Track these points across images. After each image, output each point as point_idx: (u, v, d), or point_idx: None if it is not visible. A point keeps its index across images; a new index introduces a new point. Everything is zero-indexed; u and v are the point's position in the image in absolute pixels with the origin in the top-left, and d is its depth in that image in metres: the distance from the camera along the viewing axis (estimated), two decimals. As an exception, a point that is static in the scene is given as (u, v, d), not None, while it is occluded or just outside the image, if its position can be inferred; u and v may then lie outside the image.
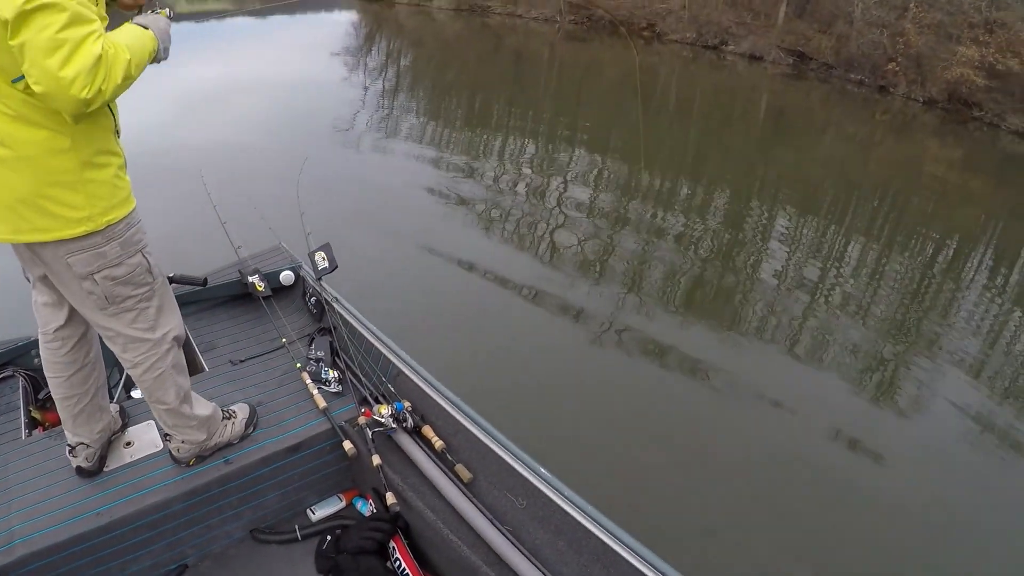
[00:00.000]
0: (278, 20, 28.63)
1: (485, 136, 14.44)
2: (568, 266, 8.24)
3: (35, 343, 2.94)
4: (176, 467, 2.81)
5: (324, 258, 3.80)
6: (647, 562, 2.20)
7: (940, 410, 6.44)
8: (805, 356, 7.10)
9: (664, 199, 11.53)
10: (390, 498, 2.76)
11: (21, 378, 3.32)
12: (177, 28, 2.57)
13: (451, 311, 6.86)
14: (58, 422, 2.84)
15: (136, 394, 3.34)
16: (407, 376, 3.16)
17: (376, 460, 2.83)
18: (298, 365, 3.44)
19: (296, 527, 3.01)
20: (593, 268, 8.29)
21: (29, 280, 2.52)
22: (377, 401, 3.10)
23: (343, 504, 3.19)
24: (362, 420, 2.97)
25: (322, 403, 3.15)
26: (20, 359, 3.42)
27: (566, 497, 2.47)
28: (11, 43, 1.86)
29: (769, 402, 6.07)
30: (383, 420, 2.93)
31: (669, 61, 25.90)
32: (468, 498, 2.65)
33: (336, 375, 3.34)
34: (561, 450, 4.83)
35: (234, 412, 2.99)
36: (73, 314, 2.51)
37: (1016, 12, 22.18)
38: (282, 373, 3.46)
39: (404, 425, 2.95)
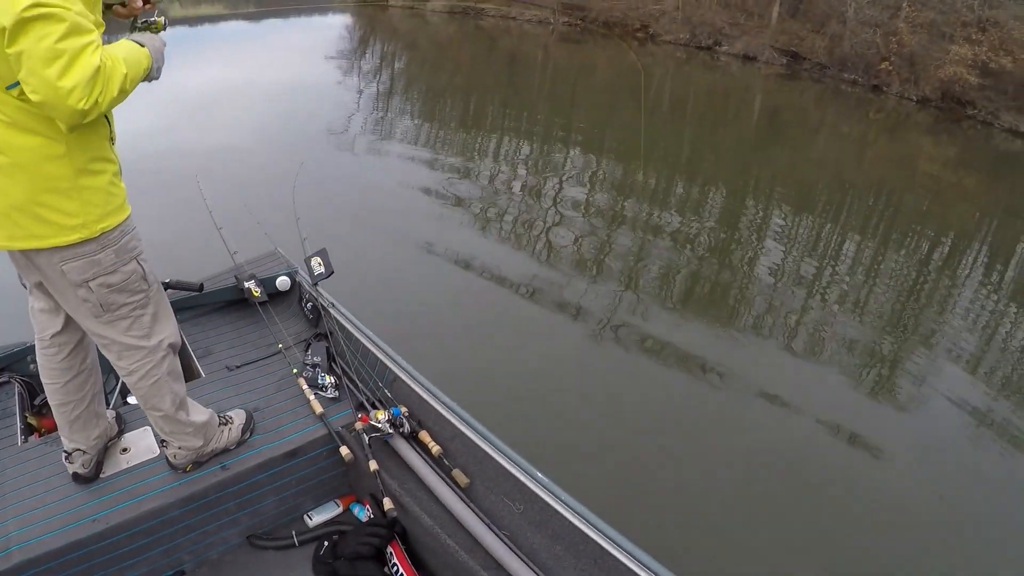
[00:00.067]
0: (271, 24, 28.65)
1: (480, 138, 14.45)
2: (565, 265, 8.25)
3: (31, 349, 2.93)
4: (173, 473, 2.81)
5: (320, 263, 3.80)
6: (645, 566, 2.20)
7: (938, 405, 6.47)
8: (803, 353, 7.12)
9: (660, 199, 11.54)
10: (387, 503, 2.76)
11: (17, 384, 3.32)
12: (171, 33, 2.58)
13: (448, 313, 6.87)
14: (54, 428, 2.84)
15: (132, 400, 3.33)
16: (404, 381, 3.16)
17: (373, 465, 2.83)
18: (294, 371, 3.44)
19: (293, 533, 3.00)
20: (590, 268, 8.30)
21: (26, 286, 2.52)
22: (374, 406, 3.10)
23: (340, 510, 3.18)
24: (359, 425, 2.97)
25: (319, 408, 3.14)
26: (16, 365, 3.41)
27: (563, 501, 2.47)
28: (8, 51, 1.86)
29: (768, 399, 6.08)
30: (380, 425, 2.93)
31: (663, 62, 25.90)
32: (465, 503, 2.65)
33: (333, 380, 3.33)
34: (559, 451, 4.84)
35: (230, 418, 2.99)
36: (70, 320, 2.51)
37: (1009, 10, 22.21)
38: (279, 379, 3.46)
39: (401, 430, 2.95)
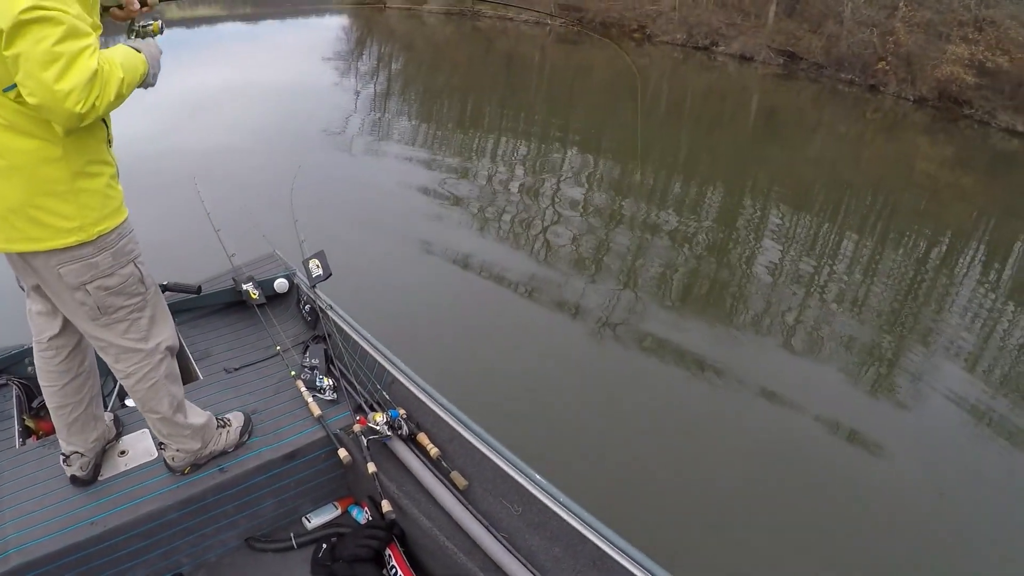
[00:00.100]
0: (269, 25, 28.64)
1: (478, 139, 14.44)
2: (563, 265, 8.25)
3: (29, 351, 2.94)
4: (171, 476, 2.81)
5: (318, 265, 3.79)
6: (643, 567, 2.21)
7: (937, 402, 6.49)
8: (802, 351, 7.14)
9: (658, 198, 11.54)
10: (385, 506, 2.76)
11: (15, 386, 3.31)
12: (168, 35, 2.58)
13: (447, 314, 6.86)
14: (52, 431, 2.83)
15: (130, 402, 3.33)
16: (402, 383, 3.16)
17: (371, 468, 2.83)
18: (293, 373, 3.44)
19: (292, 535, 3.00)
20: (588, 267, 8.30)
21: (23, 289, 2.51)
22: (372, 409, 3.10)
23: (339, 512, 3.18)
24: (357, 428, 2.97)
25: (317, 411, 3.14)
26: (14, 367, 3.40)
27: (561, 503, 2.47)
28: (5, 53, 1.86)
29: (767, 398, 6.09)
30: (378, 428, 2.93)
31: (660, 63, 25.92)
32: (463, 505, 2.65)
33: (331, 383, 3.34)
34: (557, 452, 4.84)
35: (229, 420, 2.99)
36: (67, 323, 2.50)
37: (1005, 10, 22.24)
38: (277, 381, 3.46)
39: (399, 433, 2.95)
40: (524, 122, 16.04)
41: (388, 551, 2.76)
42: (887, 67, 22.80)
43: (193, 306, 3.99)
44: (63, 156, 2.10)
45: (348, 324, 3.59)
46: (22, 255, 2.24)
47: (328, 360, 3.51)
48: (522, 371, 6.08)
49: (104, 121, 2.27)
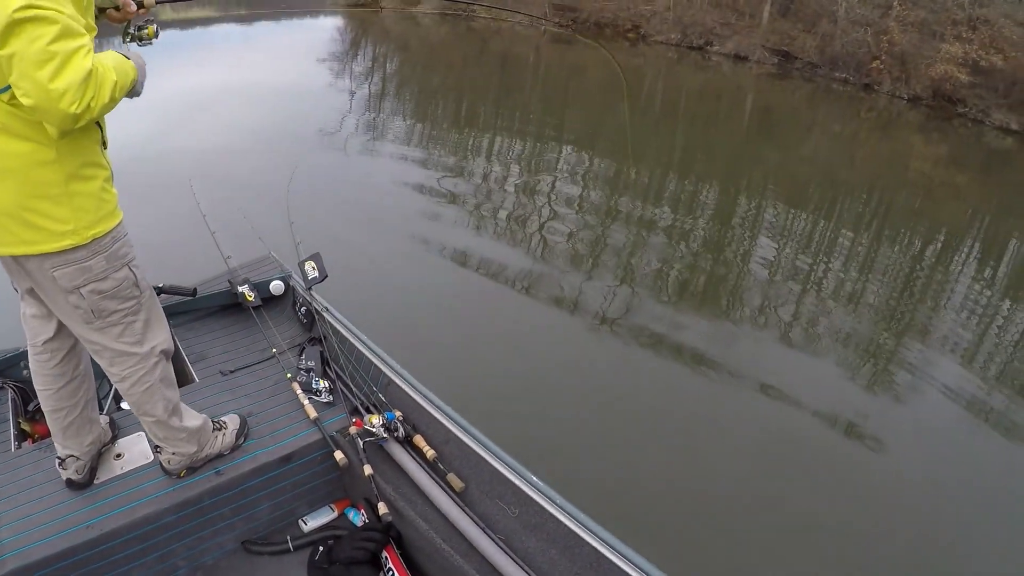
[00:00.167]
0: (263, 27, 28.60)
1: (473, 138, 14.44)
2: (560, 264, 8.25)
3: (24, 354, 2.92)
4: (167, 479, 2.80)
5: (314, 267, 3.80)
6: (640, 569, 2.21)
7: (935, 397, 6.53)
8: (799, 348, 7.17)
9: (653, 197, 11.54)
10: (382, 508, 2.76)
11: (10, 390, 3.30)
12: (163, 36, 2.57)
13: (443, 314, 6.85)
14: (48, 434, 2.83)
15: (126, 405, 3.32)
16: (398, 386, 3.16)
17: (368, 470, 2.83)
18: (288, 375, 3.44)
19: (288, 538, 3.00)
20: (585, 265, 8.31)
21: (18, 291, 2.51)
22: (368, 411, 3.10)
23: (335, 514, 3.18)
24: (353, 430, 2.97)
25: (313, 413, 3.14)
26: (9, 371, 3.40)
27: (558, 505, 2.47)
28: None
29: (765, 396, 6.10)
30: (374, 430, 2.93)
31: (654, 63, 25.93)
32: (460, 507, 2.65)
33: (327, 385, 3.34)
34: (554, 453, 4.83)
35: (224, 423, 2.98)
36: (62, 326, 2.50)
37: (999, 8, 22.31)
38: (273, 383, 3.46)
39: (395, 435, 2.95)
40: (519, 121, 16.03)
41: (385, 553, 2.75)
42: (881, 66, 22.85)
43: (189, 308, 3.98)
44: (57, 159, 2.09)
45: (344, 326, 3.59)
46: (16, 258, 2.23)
47: (324, 362, 3.51)
48: (519, 371, 6.07)
49: (99, 124, 2.25)
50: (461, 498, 2.70)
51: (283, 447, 3.01)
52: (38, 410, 3.05)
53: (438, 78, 21.46)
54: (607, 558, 2.27)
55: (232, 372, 3.55)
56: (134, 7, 2.48)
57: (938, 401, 6.45)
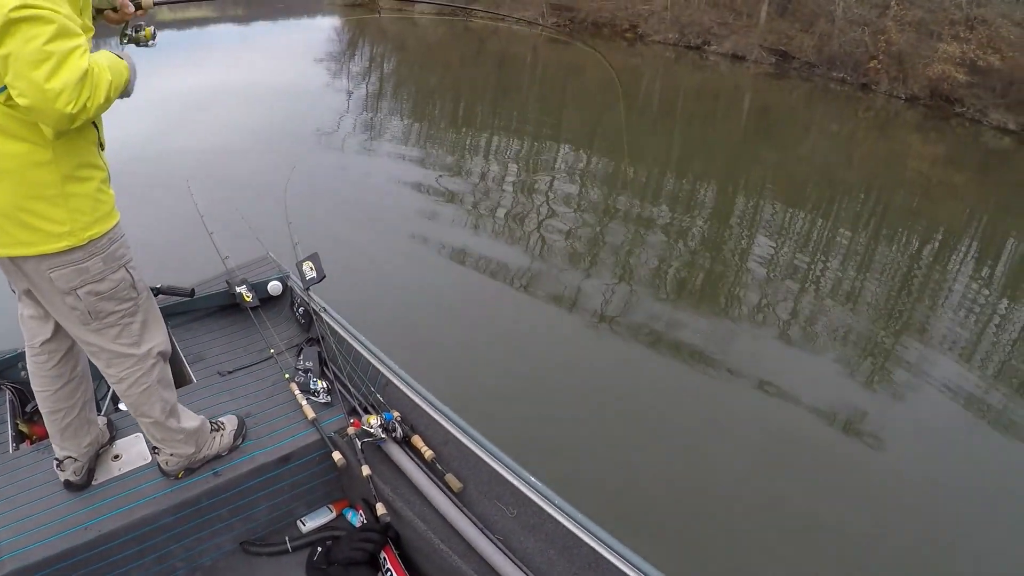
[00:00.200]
0: (261, 27, 28.58)
1: (470, 138, 14.44)
2: (558, 263, 8.25)
3: (22, 355, 2.92)
4: (165, 480, 2.80)
5: (312, 268, 3.79)
6: (638, 569, 2.21)
7: (933, 394, 6.55)
8: (798, 344, 7.19)
9: (651, 196, 11.55)
10: (380, 508, 2.75)
11: (8, 391, 3.30)
12: (160, 37, 2.57)
13: (441, 313, 6.85)
14: (46, 435, 2.82)
15: (124, 406, 3.32)
16: (396, 386, 3.16)
17: (366, 470, 2.83)
18: (286, 376, 3.43)
19: (286, 539, 3.00)
20: (584, 264, 8.31)
21: (15, 292, 2.50)
22: (366, 411, 3.09)
23: (333, 515, 3.18)
24: (351, 430, 2.97)
25: (311, 414, 3.14)
26: (7, 372, 3.39)
27: (556, 505, 2.47)
28: None
29: (763, 394, 6.12)
30: (372, 430, 2.92)
31: (652, 62, 25.93)
32: (458, 507, 2.65)
33: (325, 385, 3.33)
34: (551, 453, 4.83)
35: (222, 424, 2.98)
36: (59, 328, 2.49)
37: (996, 8, 22.33)
38: (271, 384, 3.45)
39: (393, 435, 2.94)
40: (517, 121, 16.03)
41: (383, 554, 2.75)
42: (879, 66, 22.86)
43: (186, 309, 3.98)
44: (53, 160, 2.08)
45: (342, 326, 3.58)
46: (13, 259, 2.22)
47: (322, 363, 3.51)
48: (517, 370, 6.08)
49: (95, 125, 2.25)
50: (459, 498, 2.70)
51: (281, 448, 3.01)
52: (36, 411, 3.06)
53: (435, 78, 21.45)
54: (605, 558, 2.27)
55: (230, 373, 3.55)
56: (132, 8, 2.48)
57: (937, 399, 6.47)
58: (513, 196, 10.68)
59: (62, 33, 1.85)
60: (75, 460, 2.69)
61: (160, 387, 2.60)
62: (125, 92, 2.23)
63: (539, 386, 5.87)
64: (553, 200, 10.49)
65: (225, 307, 4.07)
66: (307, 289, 3.79)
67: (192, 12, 26.13)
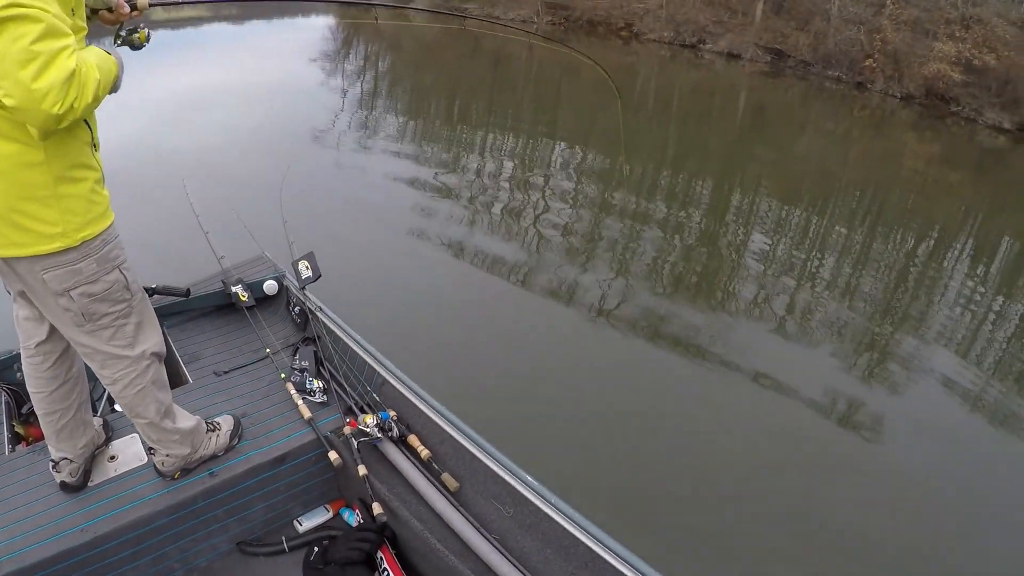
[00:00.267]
0: (255, 26, 28.51)
1: (466, 137, 14.44)
2: (555, 261, 8.27)
3: (17, 357, 2.92)
4: (161, 481, 2.80)
5: (308, 267, 3.78)
6: (635, 568, 2.20)
7: (931, 390, 6.59)
8: (795, 339, 7.21)
9: (647, 195, 11.55)
10: (377, 508, 2.75)
11: (4, 392, 3.29)
12: (154, 37, 2.57)
13: (438, 311, 6.86)
14: (41, 437, 2.81)
15: (120, 407, 3.32)
16: (392, 385, 3.16)
17: (362, 470, 2.82)
18: (282, 375, 3.42)
19: (283, 539, 3.00)
20: (580, 263, 8.32)
21: (10, 293, 2.49)
22: (362, 411, 3.09)
23: (330, 515, 3.18)
24: (347, 430, 2.96)
25: (307, 413, 3.13)
26: (2, 373, 3.38)
27: (553, 504, 2.47)
28: None
29: (762, 393, 6.14)
30: (368, 430, 2.92)
31: (647, 61, 25.93)
32: (455, 507, 2.65)
33: (321, 385, 3.33)
34: (548, 451, 4.83)
35: (218, 424, 2.97)
36: (54, 329, 2.48)
37: (992, 8, 22.37)
38: (267, 384, 3.45)
39: (390, 435, 2.94)
40: (512, 119, 16.05)
41: (380, 554, 2.75)
42: (874, 64, 22.89)
43: (182, 309, 3.97)
44: (45, 161, 2.06)
45: (338, 326, 3.58)
46: (6, 260, 2.21)
47: (318, 362, 3.50)
48: (514, 367, 6.09)
49: (88, 125, 2.23)
50: (456, 498, 2.70)
51: (277, 448, 3.00)
52: (32, 413, 3.04)
53: (431, 76, 21.44)
54: (602, 557, 2.27)
55: (226, 373, 3.54)
56: (127, 8, 2.47)
57: (933, 392, 6.53)
58: (510, 193, 10.70)
59: (50, 33, 1.83)
60: (71, 461, 2.69)
61: (155, 388, 2.59)
62: (113, 88, 2.22)
63: (536, 384, 5.87)
64: (550, 196, 10.52)
65: (221, 307, 4.06)
66: (303, 288, 3.79)
67: (186, 12, 26.06)
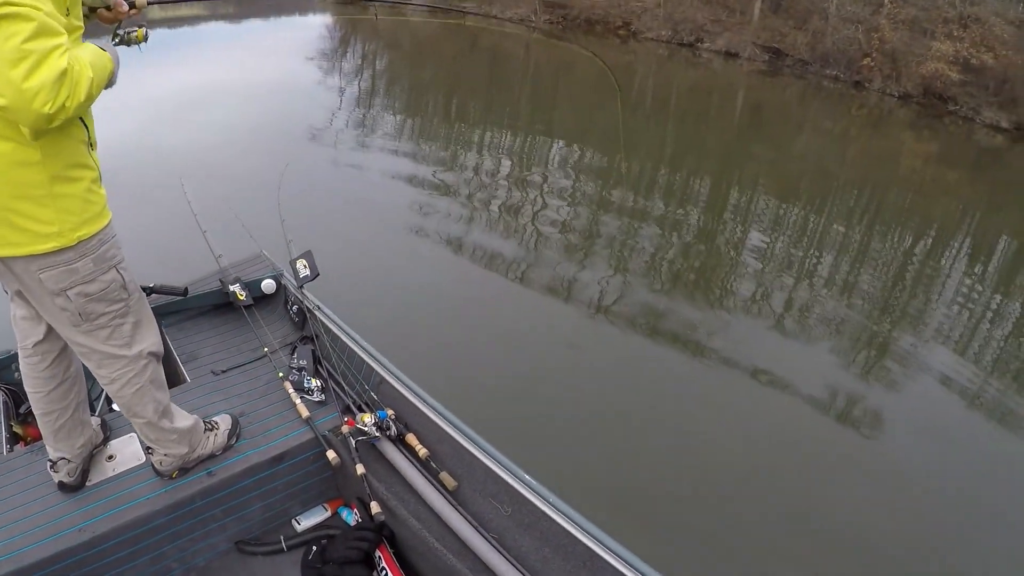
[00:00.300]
0: (252, 25, 28.49)
1: (464, 135, 14.42)
2: (553, 261, 8.25)
3: (15, 357, 2.91)
4: (159, 480, 2.79)
5: (306, 266, 3.77)
6: (634, 568, 2.20)
7: (928, 387, 6.60)
8: (795, 342, 7.21)
9: (644, 193, 11.56)
10: (375, 507, 2.75)
11: (1, 392, 3.29)
12: (152, 36, 2.56)
13: (436, 309, 6.85)
14: (39, 437, 2.81)
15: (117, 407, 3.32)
16: (390, 384, 3.15)
17: (360, 469, 2.82)
18: (280, 374, 3.42)
19: (281, 538, 2.99)
20: (579, 262, 8.31)
21: (7, 293, 2.48)
22: (360, 409, 3.08)
23: (328, 514, 3.17)
24: (345, 429, 2.96)
25: (305, 412, 3.13)
26: (1, 373, 3.38)
27: (551, 503, 2.47)
28: None
29: (761, 393, 6.15)
30: (366, 429, 2.92)
31: (645, 59, 25.93)
32: (453, 506, 2.64)
33: (319, 384, 3.32)
34: (547, 450, 4.83)
35: (216, 423, 2.97)
36: (52, 329, 2.47)
37: (990, 7, 22.40)
38: (265, 383, 3.44)
39: (388, 433, 2.94)
40: (510, 117, 16.06)
41: (378, 553, 2.75)
42: (872, 63, 22.91)
43: (180, 308, 3.96)
44: (40, 160, 2.04)
45: (336, 324, 3.57)
46: (2, 260, 2.20)
47: (316, 361, 3.50)
48: (512, 366, 6.09)
49: (85, 124, 2.21)
50: (454, 497, 2.70)
51: (275, 447, 3.00)
52: (30, 412, 3.05)
53: (428, 74, 21.43)
54: (600, 557, 2.27)
55: (224, 372, 3.54)
56: (126, 7, 2.46)
57: (933, 392, 6.54)
58: (508, 190, 10.70)
59: (42, 32, 1.81)
60: (69, 461, 2.68)
61: (152, 388, 2.59)
62: (108, 83, 2.21)
63: (534, 383, 5.87)
64: (548, 194, 10.52)
65: (219, 306, 4.05)
66: (301, 287, 3.78)
67: (184, 10, 26.02)
